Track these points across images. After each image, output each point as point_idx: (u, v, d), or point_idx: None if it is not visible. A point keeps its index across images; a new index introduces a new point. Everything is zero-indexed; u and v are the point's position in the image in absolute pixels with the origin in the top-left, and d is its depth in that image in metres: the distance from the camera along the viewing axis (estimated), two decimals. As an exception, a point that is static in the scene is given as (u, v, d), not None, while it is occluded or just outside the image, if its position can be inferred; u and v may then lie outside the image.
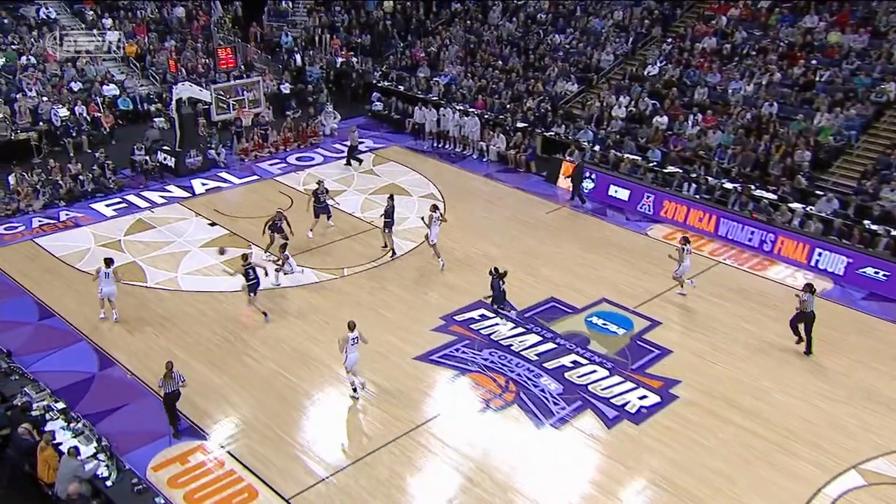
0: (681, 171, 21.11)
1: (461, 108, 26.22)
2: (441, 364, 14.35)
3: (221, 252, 18.43)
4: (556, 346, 14.80)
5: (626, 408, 13.08)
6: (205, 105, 24.97)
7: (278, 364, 14.39)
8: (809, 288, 14.65)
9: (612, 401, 13.23)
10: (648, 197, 20.47)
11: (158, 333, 15.27)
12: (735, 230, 18.85)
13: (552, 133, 24.62)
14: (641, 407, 13.09)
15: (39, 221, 19.80)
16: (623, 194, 21.03)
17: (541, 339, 15.03)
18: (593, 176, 21.71)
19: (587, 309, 16.11)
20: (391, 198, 18.65)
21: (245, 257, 15.79)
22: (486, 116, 25.82)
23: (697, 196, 20.13)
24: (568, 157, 22.68)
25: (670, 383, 13.70)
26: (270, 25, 35.91)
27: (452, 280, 17.53)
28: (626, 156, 22.26)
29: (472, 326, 15.51)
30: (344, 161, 24.27)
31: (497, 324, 15.60)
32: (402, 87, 29.54)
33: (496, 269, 16.05)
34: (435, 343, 15.01)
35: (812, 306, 14.39)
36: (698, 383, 13.74)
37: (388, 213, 18.36)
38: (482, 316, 15.91)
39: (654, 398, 13.29)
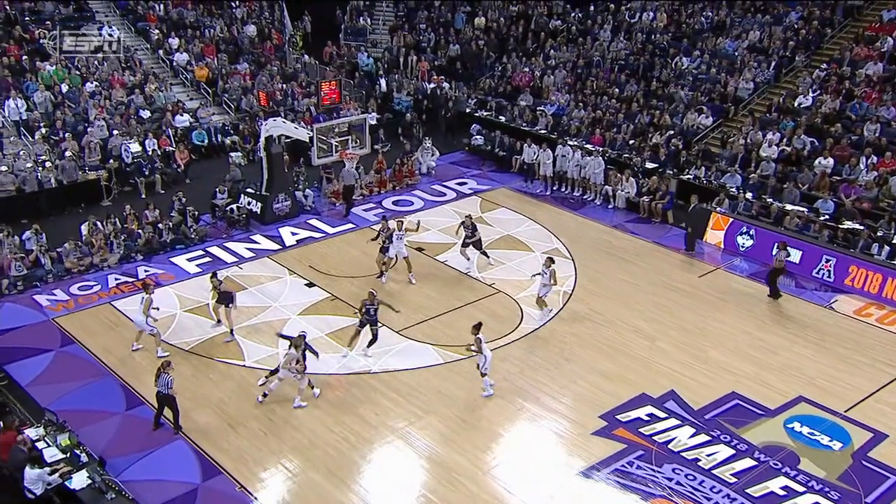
0: (863, 227, 18.95)
1: (578, 143, 24.51)
2: (615, 484, 12.50)
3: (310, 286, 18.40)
4: (756, 462, 12.82)
5: (873, 561, 11.05)
6: (287, 138, 23.76)
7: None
8: (784, 246, 17.86)
9: (850, 549, 11.22)
10: (828, 260, 18.33)
11: (266, 430, 13.81)
12: (953, 308, 16.63)
13: (690, 176, 22.69)
14: (893, 561, 11.05)
15: (116, 279, 18.70)
16: (793, 255, 18.91)
17: (734, 451, 13.07)
18: (752, 231, 19.69)
19: (783, 411, 14.09)
20: (384, 218, 19.15)
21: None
22: (607, 155, 24.05)
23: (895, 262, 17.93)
24: (718, 209, 20.73)
25: (926, 527, 11.62)
26: (347, 45, 34.98)
27: (602, 364, 15.73)
28: (790, 207, 20.18)
29: (641, 430, 13.65)
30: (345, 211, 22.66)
31: (672, 427, 13.68)
32: (502, 118, 28.01)
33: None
34: (600, 453, 13.20)
35: (784, 262, 17.78)
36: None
37: (390, 237, 18.46)
38: (651, 416, 14.04)
39: (907, 548, 11.23)
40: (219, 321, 16.76)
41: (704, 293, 18.36)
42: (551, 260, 17.03)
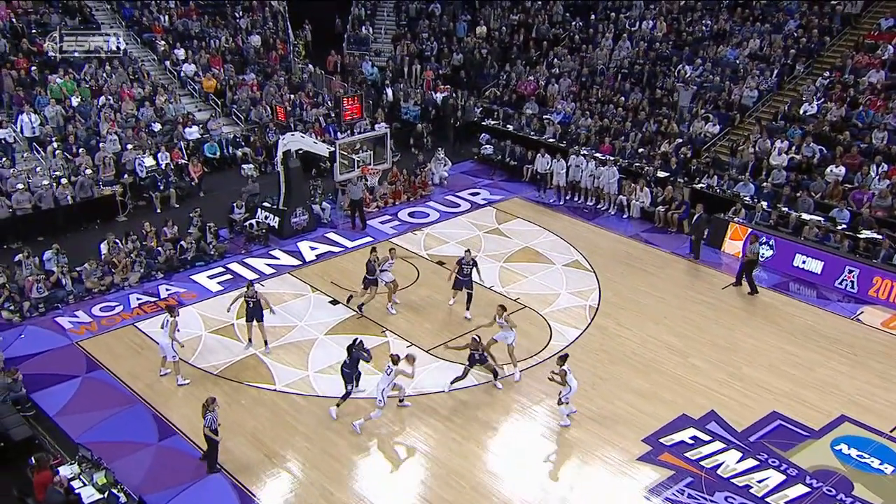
0: (882, 237, 18.22)
1: (590, 153, 23.63)
2: (668, 514, 11.68)
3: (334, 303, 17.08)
4: (808, 489, 12.02)
5: None
6: (298, 150, 22.62)
7: (462, 511, 11.85)
8: (755, 239, 17.83)
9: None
10: (851, 271, 17.58)
11: (305, 462, 12.83)
12: None
13: (704, 185, 21.87)
14: None
15: (138, 299, 17.58)
16: (814, 266, 18.21)
17: (784, 477, 12.26)
18: (772, 242, 18.92)
19: (827, 432, 13.30)
20: (374, 250, 17.00)
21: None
22: (619, 164, 23.18)
23: (921, 273, 17.23)
24: (736, 218, 19.96)
25: None
26: (351, 54, 33.87)
27: (636, 382, 14.88)
28: (808, 216, 19.42)
29: (686, 455, 12.81)
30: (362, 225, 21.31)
31: (718, 451, 12.85)
32: (510, 127, 27.05)
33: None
34: (647, 479, 12.35)
35: (757, 254, 17.78)
36: None
37: (371, 270, 16.55)
38: (695, 439, 13.21)
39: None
40: (250, 340, 15.72)
41: (730, 305, 17.56)
42: (503, 308, 14.79)
